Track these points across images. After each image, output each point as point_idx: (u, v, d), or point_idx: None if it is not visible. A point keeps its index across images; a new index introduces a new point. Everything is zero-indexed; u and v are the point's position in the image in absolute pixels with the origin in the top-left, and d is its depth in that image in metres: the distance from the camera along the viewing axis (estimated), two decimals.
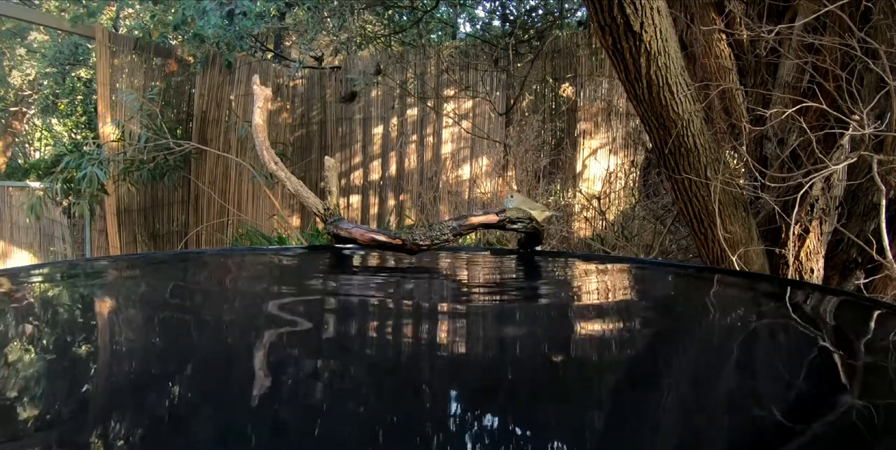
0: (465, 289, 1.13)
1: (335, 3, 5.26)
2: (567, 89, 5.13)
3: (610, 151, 4.90)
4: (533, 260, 1.45)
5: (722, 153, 2.07)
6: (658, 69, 1.79)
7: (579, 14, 5.84)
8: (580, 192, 4.63)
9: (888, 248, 1.71)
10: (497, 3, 6.15)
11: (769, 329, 0.86)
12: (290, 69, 5.68)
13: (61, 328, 0.78)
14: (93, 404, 0.53)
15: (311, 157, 6.05)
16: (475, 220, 1.35)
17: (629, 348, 0.77)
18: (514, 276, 1.38)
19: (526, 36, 5.61)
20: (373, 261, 1.42)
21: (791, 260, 1.99)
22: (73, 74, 7.86)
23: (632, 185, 4.48)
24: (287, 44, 7.35)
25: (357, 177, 5.95)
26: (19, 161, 11.30)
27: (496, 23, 6.46)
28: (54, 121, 10.29)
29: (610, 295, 1.12)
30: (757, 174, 1.94)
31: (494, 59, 5.30)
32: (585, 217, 4.53)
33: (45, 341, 0.71)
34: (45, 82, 8.21)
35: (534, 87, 5.28)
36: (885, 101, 1.79)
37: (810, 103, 1.81)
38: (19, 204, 5.66)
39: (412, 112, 5.71)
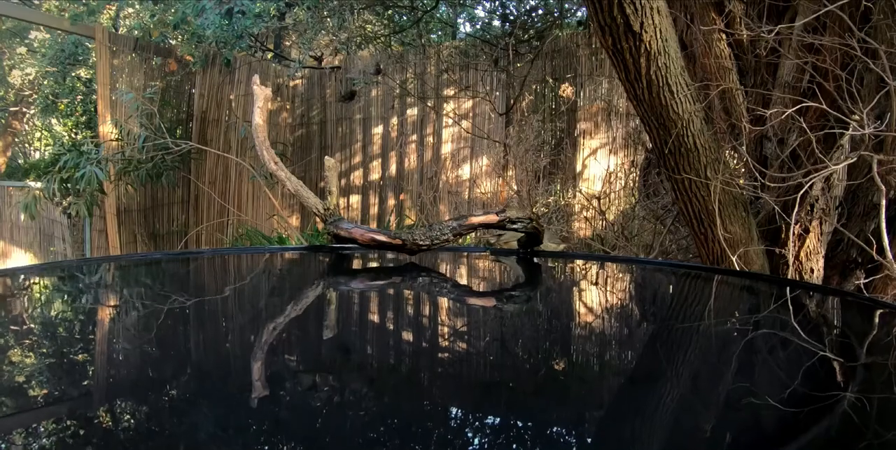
0: (465, 289, 1.13)
1: (335, 2, 5.26)
2: (567, 89, 5.12)
3: (610, 151, 4.90)
4: (532, 260, 1.45)
5: (722, 153, 2.07)
6: (658, 69, 1.79)
7: (579, 14, 5.83)
8: (580, 192, 4.63)
9: (888, 248, 1.71)
10: (497, 3, 6.15)
11: (769, 329, 0.86)
12: (290, 69, 5.68)
13: (59, 329, 0.78)
14: (92, 404, 0.53)
15: (311, 157, 6.05)
16: (475, 220, 1.35)
17: (629, 348, 0.77)
18: (514, 276, 1.38)
19: (526, 36, 5.61)
20: (373, 261, 1.42)
21: (791, 260, 1.99)
22: (74, 74, 7.86)
23: (632, 185, 4.47)
24: (287, 44, 7.34)
25: (357, 177, 5.94)
26: (19, 161, 11.30)
27: (496, 23, 6.46)
28: (54, 121, 10.29)
29: (610, 295, 1.12)
30: (757, 174, 1.94)
31: (494, 59, 5.30)
32: (585, 217, 4.53)
33: (42, 342, 0.71)
34: (45, 82, 8.20)
35: (534, 87, 5.27)
36: (885, 101, 1.78)
37: (810, 103, 1.81)
38: (19, 204, 5.66)
39: (412, 112, 5.71)
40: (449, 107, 5.49)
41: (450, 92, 5.53)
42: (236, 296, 1.04)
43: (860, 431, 0.50)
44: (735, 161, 2.53)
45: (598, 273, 1.32)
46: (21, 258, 6.07)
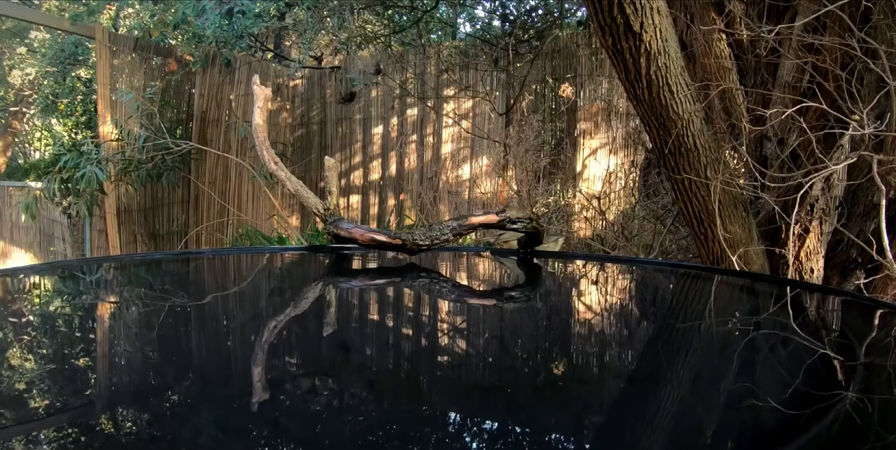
0: (465, 289, 1.13)
1: (335, 2, 5.26)
2: (567, 89, 5.12)
3: (610, 151, 4.90)
4: (532, 260, 1.45)
5: (722, 153, 2.07)
6: (658, 69, 1.79)
7: (579, 14, 5.83)
8: (580, 192, 4.63)
9: (888, 248, 1.71)
10: (497, 3, 6.15)
11: (769, 330, 0.86)
12: (290, 69, 5.68)
13: (58, 330, 0.78)
14: (91, 405, 0.53)
15: (311, 157, 6.05)
16: (475, 220, 1.35)
17: (629, 349, 0.77)
18: (514, 276, 1.38)
19: (526, 36, 5.61)
20: (372, 261, 1.42)
21: (791, 260, 1.99)
22: (74, 74, 7.86)
23: (632, 185, 4.47)
24: (287, 44, 7.34)
25: (357, 177, 5.94)
26: (19, 161, 11.30)
27: (496, 23, 6.46)
28: (54, 121, 10.29)
29: (610, 295, 1.12)
30: (757, 174, 1.94)
31: (494, 59, 5.30)
32: (585, 217, 4.53)
33: (40, 343, 0.71)
34: (45, 82, 8.20)
35: (534, 87, 5.27)
36: (885, 101, 1.78)
37: (810, 103, 1.81)
38: (19, 204, 5.66)
39: (412, 112, 5.71)
40: (449, 107, 5.49)
41: (450, 92, 5.53)
42: (237, 296, 1.04)
43: (861, 432, 0.50)
44: (735, 161, 2.53)
45: (598, 273, 1.32)
46: (21, 258, 6.06)
